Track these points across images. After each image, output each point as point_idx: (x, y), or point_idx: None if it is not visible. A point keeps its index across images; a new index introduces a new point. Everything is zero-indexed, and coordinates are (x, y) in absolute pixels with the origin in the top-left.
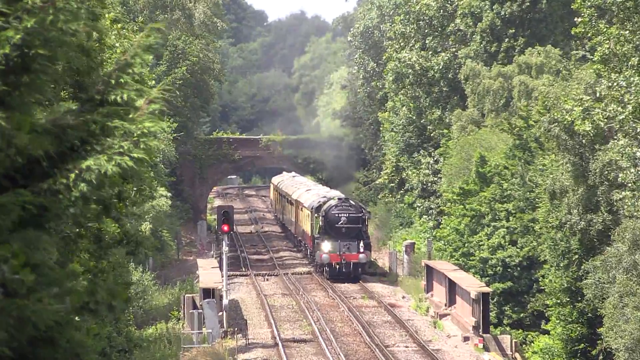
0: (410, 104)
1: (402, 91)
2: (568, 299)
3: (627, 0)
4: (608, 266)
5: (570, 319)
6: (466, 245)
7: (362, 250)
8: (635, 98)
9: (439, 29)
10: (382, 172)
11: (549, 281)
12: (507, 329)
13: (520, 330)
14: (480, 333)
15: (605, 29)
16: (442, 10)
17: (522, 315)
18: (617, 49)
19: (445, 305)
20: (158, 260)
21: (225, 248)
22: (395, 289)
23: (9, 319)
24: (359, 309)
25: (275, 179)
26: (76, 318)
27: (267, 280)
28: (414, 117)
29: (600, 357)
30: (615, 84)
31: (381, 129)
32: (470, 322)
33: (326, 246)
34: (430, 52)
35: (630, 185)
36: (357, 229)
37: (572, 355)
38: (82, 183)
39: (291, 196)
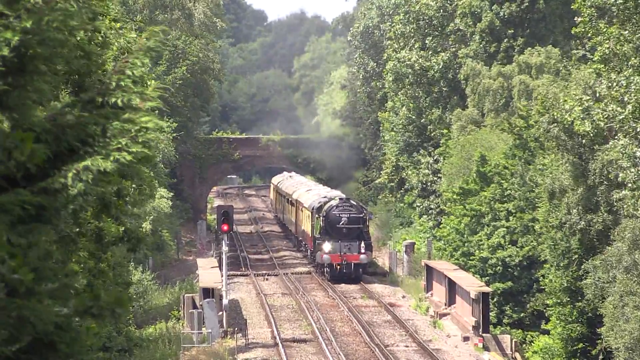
0: (410, 104)
1: (402, 91)
2: (568, 299)
3: (627, 0)
4: (608, 266)
5: (570, 319)
6: (466, 245)
7: (363, 250)
8: (635, 98)
9: (439, 28)
10: (382, 172)
11: (549, 281)
12: (507, 328)
13: (520, 330)
14: (480, 333)
15: (605, 29)
16: (441, 10)
17: (522, 315)
18: (617, 48)
19: (445, 305)
20: (158, 260)
21: (225, 248)
22: (395, 289)
23: (9, 319)
24: (359, 309)
25: (275, 179)
26: (76, 319)
27: (267, 280)
28: (414, 117)
29: (600, 356)
30: (615, 83)
31: (381, 128)
32: (470, 321)
33: (327, 247)
34: (430, 52)
35: (630, 185)
36: (358, 230)
37: (572, 355)
38: (79, 183)
39: (291, 196)
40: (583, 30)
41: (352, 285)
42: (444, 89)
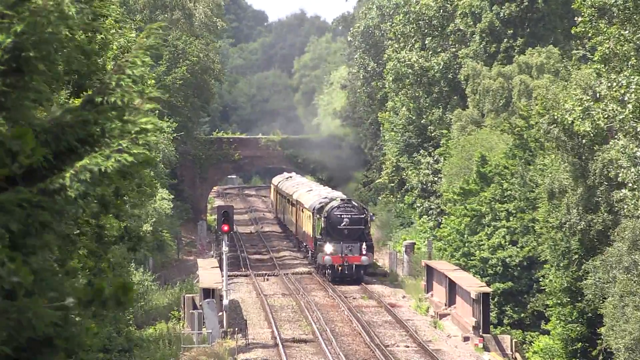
0: (410, 104)
1: (402, 91)
2: (568, 299)
3: (627, 0)
4: (608, 266)
5: (570, 319)
6: (466, 245)
7: (364, 252)
8: (636, 97)
9: (439, 29)
10: (382, 172)
11: (549, 281)
12: (507, 329)
13: (520, 331)
14: (481, 333)
15: (605, 29)
16: (441, 10)
17: (522, 315)
18: (618, 48)
19: (446, 305)
20: (158, 260)
21: (225, 248)
22: (396, 289)
23: (9, 321)
24: (359, 309)
25: (276, 180)
26: (77, 319)
27: (267, 280)
28: (414, 117)
29: (600, 357)
30: (615, 83)
31: (381, 129)
32: (470, 322)
33: (328, 248)
34: (430, 52)
35: (630, 184)
36: (359, 231)
37: (572, 355)
38: (77, 183)
39: (292, 197)
40: (583, 30)
41: (353, 285)
42: (444, 89)
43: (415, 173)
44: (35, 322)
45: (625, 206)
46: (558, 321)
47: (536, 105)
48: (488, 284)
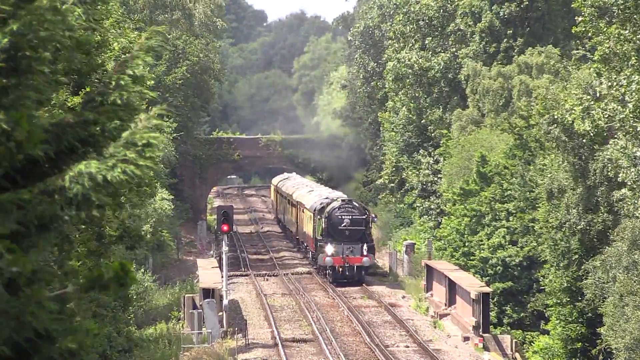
0: (411, 104)
1: (402, 91)
2: (568, 299)
3: (627, 0)
4: (608, 266)
5: (570, 319)
6: (466, 245)
7: (365, 253)
8: (636, 97)
9: (439, 29)
10: (382, 172)
11: (549, 281)
12: (507, 328)
13: (520, 330)
14: (480, 333)
15: (605, 29)
16: (442, 10)
17: (522, 315)
18: (618, 48)
19: (445, 305)
20: (158, 260)
21: (225, 248)
22: (395, 289)
23: (10, 322)
24: (359, 309)
25: (276, 180)
26: (77, 318)
27: (267, 280)
28: (414, 117)
29: (600, 356)
30: (615, 82)
31: (381, 129)
32: (470, 322)
33: (329, 249)
34: (430, 52)
35: (630, 184)
36: (360, 232)
37: (572, 355)
38: (77, 185)
39: (292, 197)
40: (583, 29)
41: (353, 287)
42: (444, 89)
43: (415, 173)
44: (37, 315)
45: (625, 206)
46: (558, 321)
47: (536, 105)
48: (488, 284)
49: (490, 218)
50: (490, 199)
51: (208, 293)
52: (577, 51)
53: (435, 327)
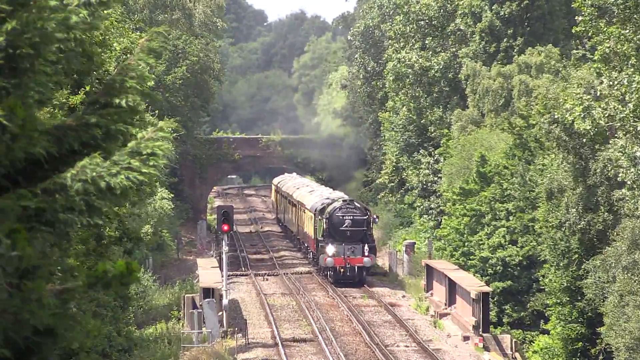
0: (411, 104)
1: (402, 91)
2: (568, 299)
3: (627, 0)
4: (608, 265)
5: (570, 319)
6: (466, 244)
7: (367, 253)
8: (636, 96)
9: (439, 29)
10: (382, 172)
11: (549, 281)
12: (507, 328)
13: (520, 330)
14: (480, 332)
15: (605, 28)
16: (442, 10)
17: (522, 314)
18: (618, 48)
19: (445, 304)
20: (158, 260)
21: (225, 248)
22: (395, 289)
23: (8, 322)
24: (359, 309)
25: (277, 180)
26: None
27: (267, 280)
28: (414, 117)
29: (600, 356)
30: (616, 81)
31: (381, 128)
32: (470, 321)
33: (330, 250)
34: (430, 52)
35: (629, 184)
36: (361, 232)
37: (572, 354)
38: (78, 183)
39: (293, 198)
40: (583, 29)
41: (354, 288)
42: (445, 89)
43: (415, 173)
44: (36, 313)
45: (625, 205)
46: (558, 321)
47: (536, 105)
48: (488, 284)
49: (490, 218)
50: (490, 199)
51: (208, 293)
52: (577, 51)
53: (435, 327)
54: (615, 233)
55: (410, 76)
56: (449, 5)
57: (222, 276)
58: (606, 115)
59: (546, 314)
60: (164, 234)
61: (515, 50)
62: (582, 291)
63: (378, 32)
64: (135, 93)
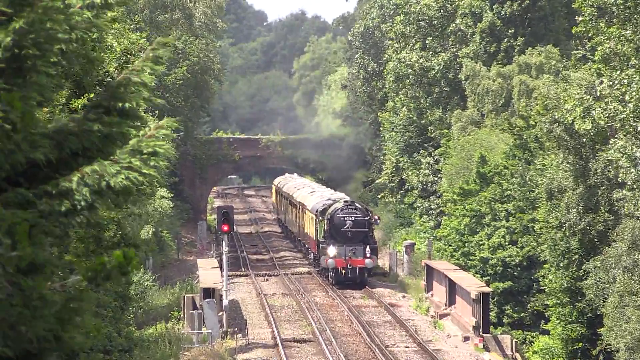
0: (411, 104)
1: (402, 91)
2: (568, 299)
3: (627, 0)
4: (608, 266)
5: (570, 319)
6: (466, 245)
7: (368, 255)
8: (636, 97)
9: (439, 29)
10: (382, 172)
11: (549, 281)
12: (507, 329)
13: (520, 330)
14: (481, 333)
15: (605, 29)
16: (442, 11)
17: (522, 315)
18: (618, 48)
19: (446, 305)
20: (158, 260)
21: (225, 248)
22: (395, 289)
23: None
24: (359, 309)
25: (277, 181)
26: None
27: (267, 280)
28: (415, 118)
29: (601, 357)
30: (616, 82)
31: (381, 129)
32: (470, 322)
33: (332, 251)
34: (430, 53)
35: (630, 184)
36: (363, 233)
37: (572, 355)
38: (84, 188)
39: (294, 198)
40: (584, 29)
41: (356, 289)
42: (445, 89)
43: (415, 173)
44: (35, 323)
45: (625, 206)
46: (558, 321)
47: (536, 105)
48: (488, 284)
49: (490, 218)
50: (490, 199)
51: (208, 293)
52: (577, 51)
53: (435, 327)
54: (615, 233)
55: (411, 76)
56: (449, 6)
57: (222, 276)
58: (606, 116)
59: (546, 315)
60: (165, 235)
61: (515, 50)
62: (582, 292)
63: (378, 32)
64: (138, 99)
